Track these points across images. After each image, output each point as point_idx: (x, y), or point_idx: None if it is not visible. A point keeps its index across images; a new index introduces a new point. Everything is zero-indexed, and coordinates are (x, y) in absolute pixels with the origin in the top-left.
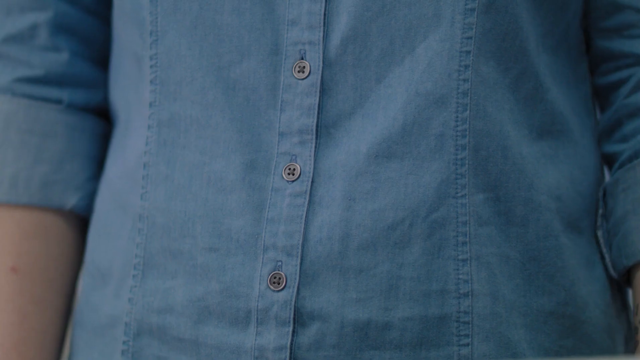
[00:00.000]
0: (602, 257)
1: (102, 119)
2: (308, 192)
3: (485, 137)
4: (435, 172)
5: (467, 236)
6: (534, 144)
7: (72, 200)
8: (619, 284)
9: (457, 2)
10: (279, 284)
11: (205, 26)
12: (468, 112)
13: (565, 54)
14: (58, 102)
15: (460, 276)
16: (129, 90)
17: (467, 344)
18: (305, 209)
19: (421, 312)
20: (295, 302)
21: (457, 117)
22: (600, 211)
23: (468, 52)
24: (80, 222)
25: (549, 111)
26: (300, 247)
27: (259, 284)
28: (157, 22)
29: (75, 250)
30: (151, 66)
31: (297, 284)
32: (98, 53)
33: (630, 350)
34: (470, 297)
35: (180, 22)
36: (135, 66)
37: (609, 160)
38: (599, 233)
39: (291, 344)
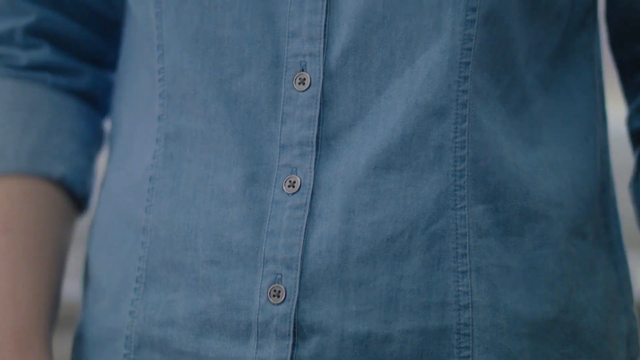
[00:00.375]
0: (606, 258)
1: (87, 102)
2: (308, 205)
3: (483, 148)
4: (435, 183)
5: (467, 248)
6: (528, 153)
7: (59, 169)
8: (620, 288)
9: (457, 14)
10: (278, 297)
11: (207, 39)
12: (467, 123)
13: (565, 63)
14: (42, 82)
15: (460, 288)
16: (140, 100)
17: (468, 356)
18: (305, 221)
19: (421, 324)
20: (295, 315)
21: (456, 128)
22: (635, 169)
23: (467, 64)
24: (72, 199)
25: (537, 122)
26: (299, 260)
27: (259, 297)
28: (162, 35)
29: (65, 220)
30: (159, 80)
31: (296, 297)
32: (81, 53)
33: (631, 355)
34: (470, 309)
35: (182, 36)
36: (149, 78)
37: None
38: (631, 190)
39: (291, 357)
